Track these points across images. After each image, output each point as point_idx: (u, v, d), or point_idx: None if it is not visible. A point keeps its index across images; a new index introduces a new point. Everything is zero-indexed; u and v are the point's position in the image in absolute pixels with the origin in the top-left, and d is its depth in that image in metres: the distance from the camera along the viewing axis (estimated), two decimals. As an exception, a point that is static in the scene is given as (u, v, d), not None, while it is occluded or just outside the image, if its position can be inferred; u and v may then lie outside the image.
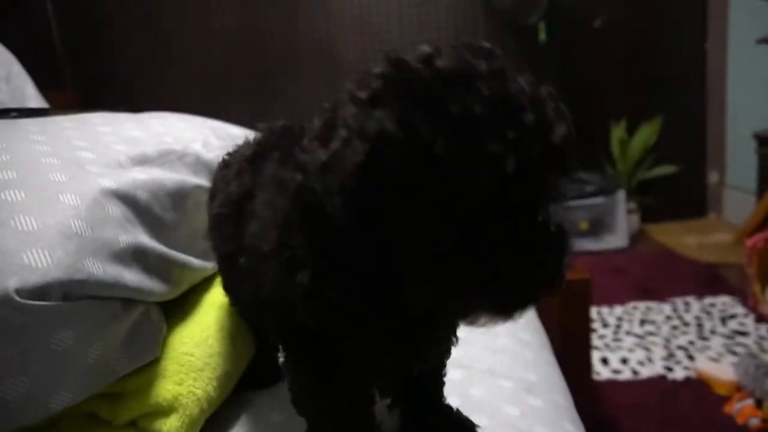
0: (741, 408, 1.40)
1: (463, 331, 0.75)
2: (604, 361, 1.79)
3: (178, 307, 0.61)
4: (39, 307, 0.40)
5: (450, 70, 0.30)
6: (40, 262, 0.41)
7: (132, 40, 3.15)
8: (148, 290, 0.51)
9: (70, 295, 0.42)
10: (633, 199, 3.01)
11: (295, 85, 3.18)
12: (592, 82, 3.15)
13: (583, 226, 2.91)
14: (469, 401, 0.57)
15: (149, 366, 0.52)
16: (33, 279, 0.40)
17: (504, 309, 0.34)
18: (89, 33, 3.12)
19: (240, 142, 0.88)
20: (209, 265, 0.67)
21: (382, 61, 0.32)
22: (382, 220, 0.30)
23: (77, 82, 3.05)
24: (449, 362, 0.66)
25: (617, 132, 3.01)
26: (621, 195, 2.85)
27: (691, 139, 3.15)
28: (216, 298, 0.65)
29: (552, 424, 0.55)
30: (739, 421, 1.37)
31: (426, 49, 0.31)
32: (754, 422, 1.35)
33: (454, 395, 0.59)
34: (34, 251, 0.41)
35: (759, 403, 1.38)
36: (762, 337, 1.81)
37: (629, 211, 2.94)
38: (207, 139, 0.82)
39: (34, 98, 1.31)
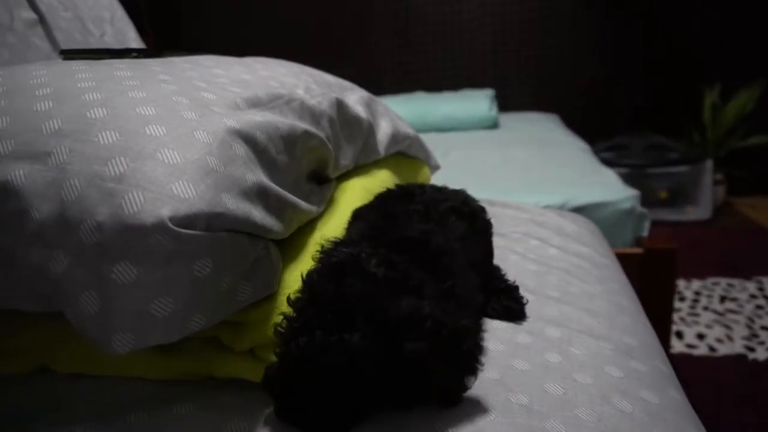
0: (831, 395, 1.33)
1: (556, 291, 0.75)
2: (678, 334, 1.74)
3: (289, 247, 0.63)
4: (187, 235, 0.43)
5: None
6: (187, 193, 0.44)
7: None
8: (269, 227, 0.53)
9: (211, 226, 0.45)
10: (720, 169, 2.83)
11: (364, 47, 3.14)
12: (685, 41, 2.92)
13: (663, 195, 2.77)
14: (570, 359, 0.57)
15: (268, 300, 0.55)
16: (182, 209, 0.43)
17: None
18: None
19: (335, 89, 0.89)
20: (314, 208, 0.69)
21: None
22: None
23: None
24: (546, 320, 0.66)
25: (710, 97, 2.80)
26: (708, 164, 2.68)
27: (794, 108, 2.89)
28: (320, 240, 0.67)
29: (658, 390, 0.54)
30: (828, 407, 1.31)
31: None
32: None
33: (553, 351, 0.59)
34: (181, 183, 0.44)
35: None
36: None
37: (715, 182, 2.77)
38: (308, 85, 0.83)
39: (134, 41, 1.36)
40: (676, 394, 0.55)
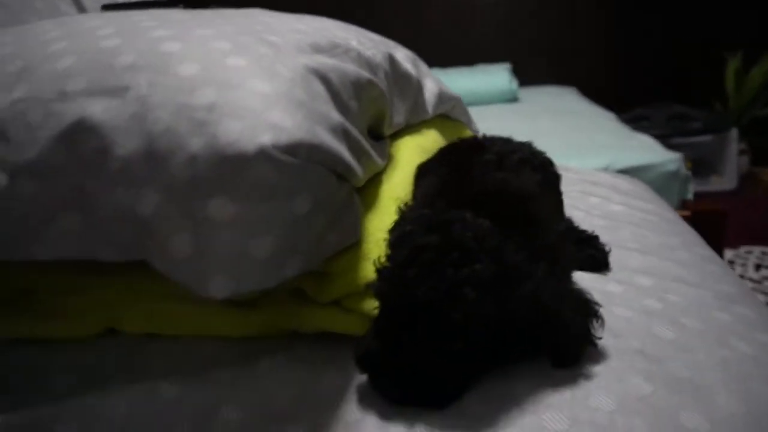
0: None
1: (634, 242, 0.71)
2: (717, 302, 1.70)
3: (362, 197, 0.60)
4: (290, 164, 0.39)
5: None
6: (286, 122, 0.40)
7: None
8: (354, 169, 0.50)
9: (311, 158, 0.41)
10: (743, 139, 2.77)
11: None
12: (705, 8, 2.85)
13: (687, 165, 2.72)
14: (671, 306, 0.54)
15: (353, 248, 0.51)
16: (284, 137, 0.39)
17: None
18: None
19: (384, 45, 0.85)
20: (380, 161, 0.66)
21: None
22: None
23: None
24: (632, 269, 0.62)
25: (733, 64, 2.74)
26: (734, 133, 2.63)
27: (821, 73, 2.82)
28: (393, 192, 0.64)
29: (771, 333, 0.51)
30: None
31: None
32: None
33: (652, 298, 0.55)
34: (277, 112, 0.40)
35: None
36: None
37: (739, 152, 2.71)
38: (360, 38, 0.79)
39: None
40: (789, 338, 0.52)
